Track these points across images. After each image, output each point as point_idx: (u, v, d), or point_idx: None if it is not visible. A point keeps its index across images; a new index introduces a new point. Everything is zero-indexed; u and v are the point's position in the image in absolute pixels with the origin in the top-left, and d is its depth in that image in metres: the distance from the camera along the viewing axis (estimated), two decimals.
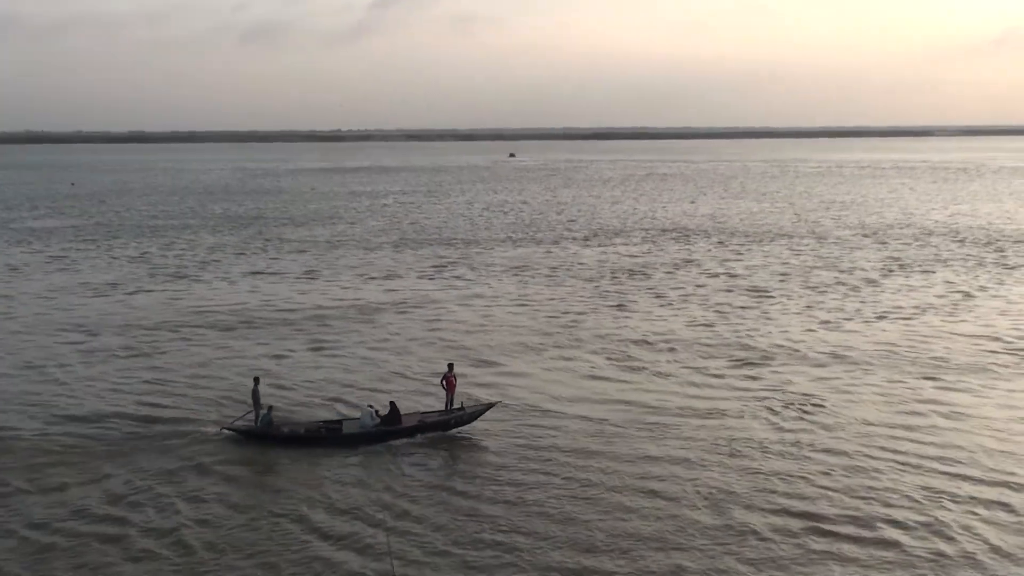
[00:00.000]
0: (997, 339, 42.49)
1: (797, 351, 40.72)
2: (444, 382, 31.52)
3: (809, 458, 27.98)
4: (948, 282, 57.07)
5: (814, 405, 32.98)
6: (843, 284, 56.88)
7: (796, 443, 29.28)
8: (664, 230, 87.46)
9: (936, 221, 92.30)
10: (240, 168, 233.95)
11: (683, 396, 34.41)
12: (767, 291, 54.86)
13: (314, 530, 23.60)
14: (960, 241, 76.61)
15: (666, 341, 42.76)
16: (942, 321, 46.41)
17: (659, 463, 27.69)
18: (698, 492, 25.55)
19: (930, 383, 35.68)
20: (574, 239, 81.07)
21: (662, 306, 51.00)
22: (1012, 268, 62.39)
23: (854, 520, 23.75)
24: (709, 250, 73.02)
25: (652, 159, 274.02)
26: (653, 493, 25.51)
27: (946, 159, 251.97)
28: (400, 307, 51.31)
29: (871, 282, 57.49)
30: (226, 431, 30.20)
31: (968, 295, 52.91)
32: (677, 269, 63.80)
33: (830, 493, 25.37)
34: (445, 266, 66.03)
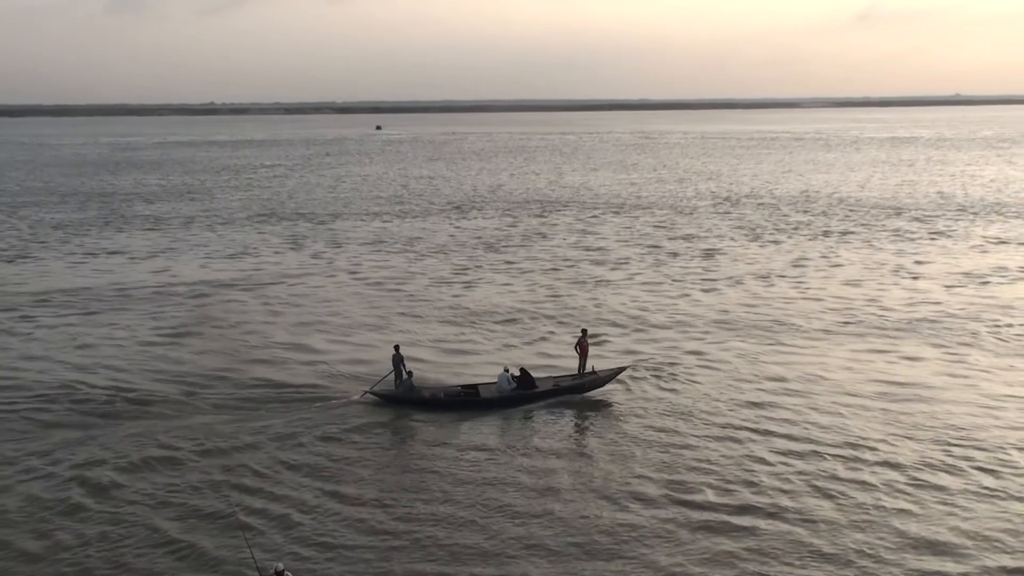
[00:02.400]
0: (832, 303, 44.22)
1: (643, 319, 41.69)
2: (578, 347, 32.25)
3: (655, 425, 28.72)
4: (792, 249, 59.05)
5: (665, 372, 33.77)
6: (693, 253, 58.27)
7: (644, 408, 30.05)
8: (527, 202, 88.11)
9: (790, 190, 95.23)
10: (105, 143, 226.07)
11: (529, 365, 34.81)
12: (620, 261, 55.87)
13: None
14: (807, 210, 79.20)
15: (516, 310, 43.30)
16: (789, 287, 48.02)
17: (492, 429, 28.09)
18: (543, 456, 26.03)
19: (775, 347, 36.95)
20: (434, 212, 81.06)
21: (513, 277, 51.50)
22: (852, 234, 64.82)
23: (681, 488, 24.42)
24: (567, 222, 73.87)
25: (527, 131, 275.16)
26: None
27: (809, 130, 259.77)
28: (248, 284, 50.55)
29: (719, 251, 59.03)
30: (369, 395, 30.77)
31: (811, 260, 54.86)
32: (532, 241, 64.42)
33: (673, 462, 26.05)
34: (302, 240, 65.28)
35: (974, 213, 75.25)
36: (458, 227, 71.69)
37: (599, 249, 60.27)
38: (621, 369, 32.39)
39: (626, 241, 63.35)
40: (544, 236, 66.29)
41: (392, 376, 31.43)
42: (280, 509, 23.02)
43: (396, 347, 32.07)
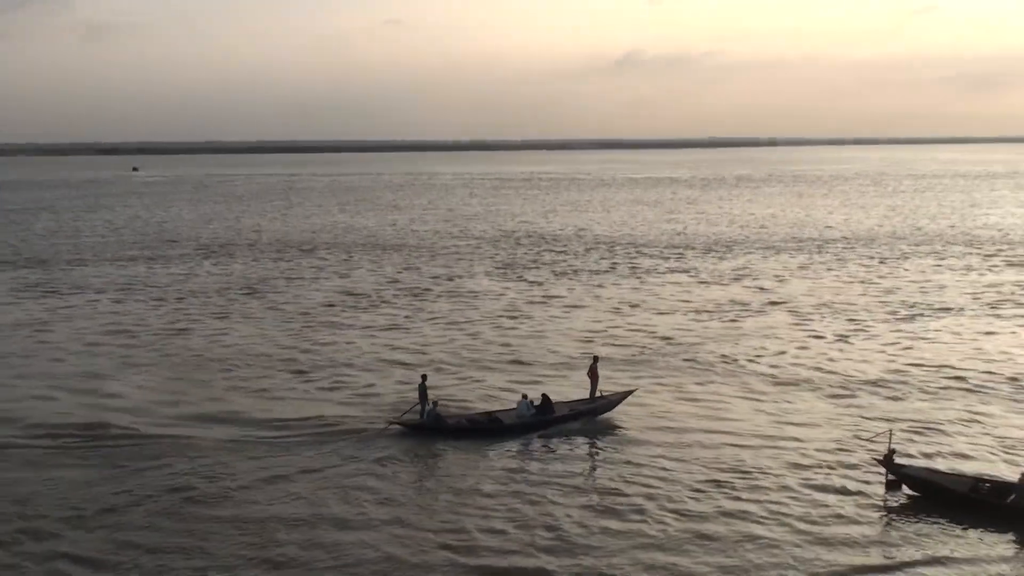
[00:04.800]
0: (578, 336, 45.73)
1: (384, 359, 41.85)
2: (589, 373, 33.76)
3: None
4: (542, 284, 60.82)
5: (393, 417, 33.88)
6: (449, 292, 58.99)
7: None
8: (288, 244, 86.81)
9: (548, 229, 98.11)
10: None
11: (260, 409, 34.27)
12: (373, 302, 55.89)
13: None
14: (563, 248, 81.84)
15: (264, 356, 42.55)
16: (534, 323, 49.36)
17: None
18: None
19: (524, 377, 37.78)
20: (187, 255, 78.56)
21: (264, 319, 50.60)
22: (603, 272, 67.39)
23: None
24: (328, 263, 73.27)
25: (296, 173, 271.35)
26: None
27: (574, 171, 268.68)
28: None
29: (474, 292, 60.00)
30: (394, 426, 31.23)
31: (561, 297, 56.61)
32: (291, 282, 63.60)
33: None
34: (40, 287, 61.69)
35: (717, 248, 79.79)
36: (213, 271, 69.72)
37: (355, 292, 59.98)
38: (629, 392, 34.05)
39: (379, 282, 63.41)
40: (302, 279, 65.41)
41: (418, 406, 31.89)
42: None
43: (423, 377, 32.77)
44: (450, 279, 64.52)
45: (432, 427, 31.15)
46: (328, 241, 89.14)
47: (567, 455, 29.84)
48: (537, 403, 32.13)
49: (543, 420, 31.73)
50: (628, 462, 28.88)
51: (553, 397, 32.90)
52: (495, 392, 36.50)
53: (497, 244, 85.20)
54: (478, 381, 38.23)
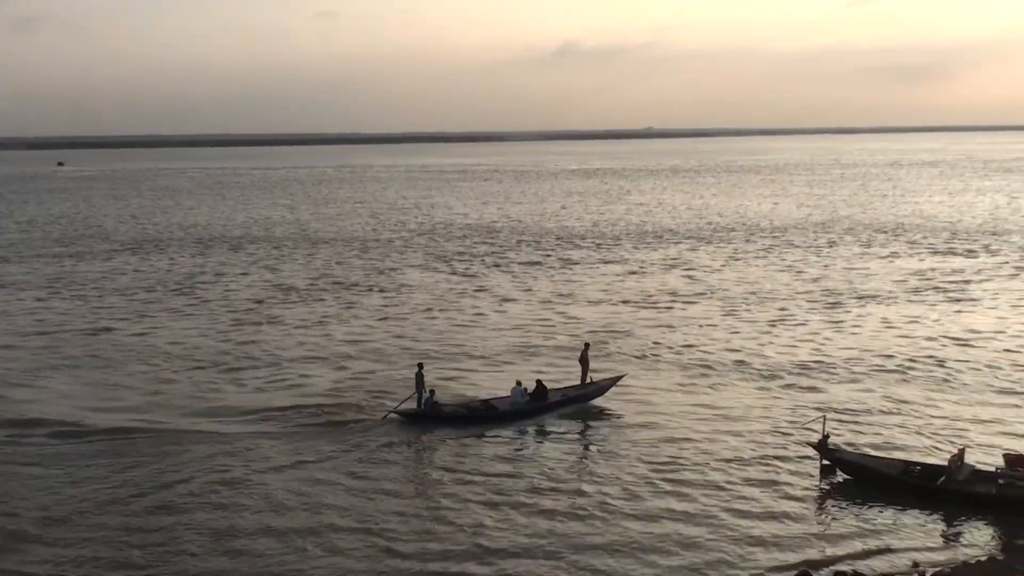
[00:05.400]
0: (514, 327, 45.69)
1: (317, 355, 41.51)
2: (581, 360, 34.42)
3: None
4: (475, 276, 60.69)
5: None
6: (381, 285, 58.58)
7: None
8: (218, 239, 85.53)
9: (481, 221, 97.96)
10: None
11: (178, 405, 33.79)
12: (301, 297, 55.37)
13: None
14: (492, 241, 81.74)
15: (192, 350, 42.04)
16: (464, 317, 49.25)
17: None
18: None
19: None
20: (113, 251, 77.05)
21: (189, 316, 49.86)
22: (536, 264, 67.45)
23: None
24: (257, 257, 72.38)
25: (229, 167, 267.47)
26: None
27: (511, 162, 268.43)
28: None
29: (405, 285, 59.66)
30: (392, 415, 31.60)
31: (498, 288, 56.52)
32: (220, 277, 62.85)
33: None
34: None
35: (649, 239, 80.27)
36: (140, 267, 68.46)
37: (283, 286, 59.27)
38: (619, 377, 34.71)
39: (312, 276, 62.79)
40: (228, 275, 64.50)
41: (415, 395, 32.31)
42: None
43: (419, 365, 32.86)
44: (381, 272, 64.09)
45: (430, 415, 31.66)
46: (260, 235, 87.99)
47: (557, 438, 30.82)
48: (531, 390, 32.66)
49: (537, 407, 32.37)
50: (559, 460, 28.79)
51: (490, 387, 33.07)
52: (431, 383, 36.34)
53: (430, 236, 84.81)
54: (402, 373, 38.02)
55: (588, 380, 34.35)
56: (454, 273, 63.35)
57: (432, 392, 32.13)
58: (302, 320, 48.65)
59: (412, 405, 32.14)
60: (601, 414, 32.97)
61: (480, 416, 31.92)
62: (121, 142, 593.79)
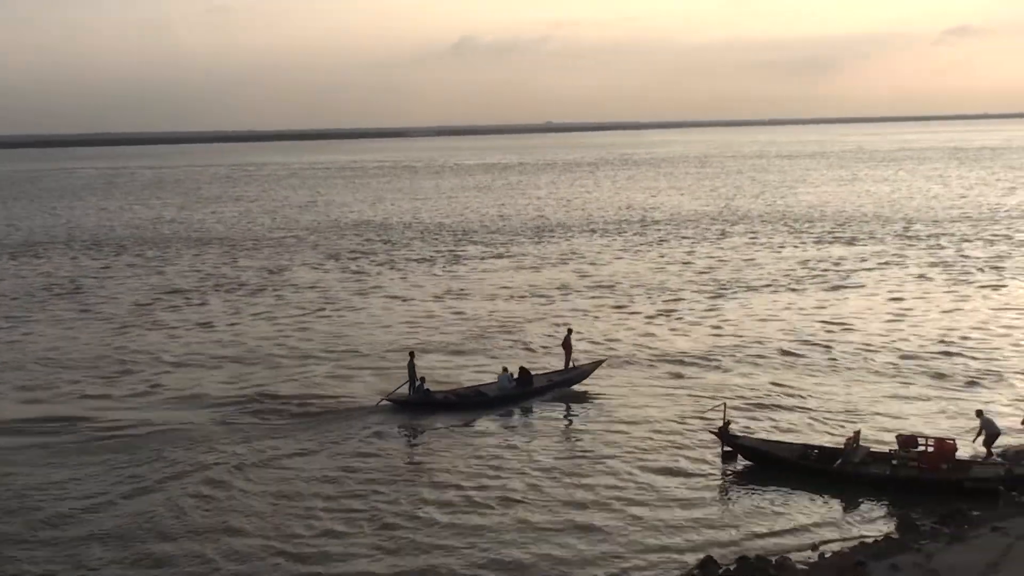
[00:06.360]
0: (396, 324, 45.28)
1: (200, 355, 40.81)
2: (564, 345, 35.26)
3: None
4: (367, 273, 60.12)
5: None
6: (273, 284, 57.60)
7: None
8: (105, 241, 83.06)
9: (374, 217, 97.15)
10: None
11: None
12: (190, 299, 54.05)
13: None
14: (387, 238, 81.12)
15: (72, 355, 40.72)
16: (356, 315, 48.64)
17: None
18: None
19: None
20: None
21: (74, 321, 48.32)
22: (427, 260, 67.05)
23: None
24: (144, 259, 70.48)
25: (115, 167, 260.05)
26: None
27: (409, 158, 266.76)
28: None
29: (297, 284, 58.75)
30: (385, 402, 32.46)
31: (384, 287, 56.05)
32: (105, 280, 61.20)
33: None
34: None
35: (543, 233, 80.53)
36: (21, 272, 66.05)
37: (174, 289, 57.77)
38: (600, 362, 35.74)
39: (200, 276, 61.43)
40: (112, 279, 62.67)
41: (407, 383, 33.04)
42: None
43: (411, 354, 33.84)
44: (272, 271, 63.02)
45: (421, 402, 32.66)
46: (150, 237, 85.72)
47: (545, 421, 31.92)
48: (516, 376, 33.59)
49: (524, 392, 33.38)
50: (472, 453, 28.78)
51: (388, 380, 33.14)
52: (323, 381, 36.39)
53: (323, 234, 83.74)
54: (302, 372, 37.75)
55: (571, 365, 35.19)
56: (346, 271, 62.63)
57: (423, 380, 33.03)
58: (186, 322, 47.53)
59: (405, 392, 33.02)
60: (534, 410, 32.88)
61: (469, 402, 32.86)
62: (2, 142, 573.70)
